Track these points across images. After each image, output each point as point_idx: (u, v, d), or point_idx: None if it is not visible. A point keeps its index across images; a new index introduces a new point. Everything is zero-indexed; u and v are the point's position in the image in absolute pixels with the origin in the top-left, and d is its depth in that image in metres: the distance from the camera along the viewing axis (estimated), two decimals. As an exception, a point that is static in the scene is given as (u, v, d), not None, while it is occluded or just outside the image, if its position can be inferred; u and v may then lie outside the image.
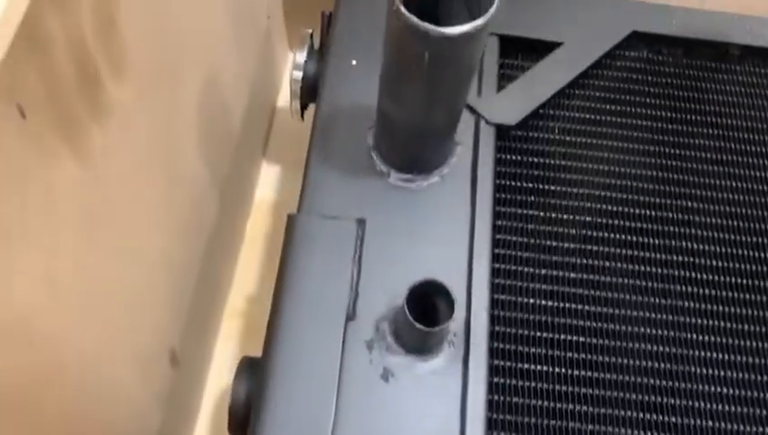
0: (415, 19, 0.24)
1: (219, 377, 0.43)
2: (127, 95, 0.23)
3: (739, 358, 0.32)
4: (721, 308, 0.33)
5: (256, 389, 0.30)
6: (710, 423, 0.31)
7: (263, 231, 0.49)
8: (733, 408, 0.31)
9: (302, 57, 0.40)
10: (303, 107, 0.42)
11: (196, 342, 0.39)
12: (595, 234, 0.35)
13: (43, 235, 0.19)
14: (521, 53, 0.39)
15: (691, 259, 0.34)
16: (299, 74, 0.40)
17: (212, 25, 0.37)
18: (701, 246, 0.35)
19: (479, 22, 0.23)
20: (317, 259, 0.32)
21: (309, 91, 0.41)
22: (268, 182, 0.51)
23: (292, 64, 0.41)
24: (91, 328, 0.25)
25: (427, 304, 0.29)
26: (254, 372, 0.32)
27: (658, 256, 0.34)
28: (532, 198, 0.35)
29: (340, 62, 0.38)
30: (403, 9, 0.24)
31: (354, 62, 0.38)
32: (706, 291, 0.34)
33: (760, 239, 0.35)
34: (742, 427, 0.30)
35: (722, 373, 0.32)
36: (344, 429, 0.28)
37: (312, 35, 0.42)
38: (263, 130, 0.51)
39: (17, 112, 0.16)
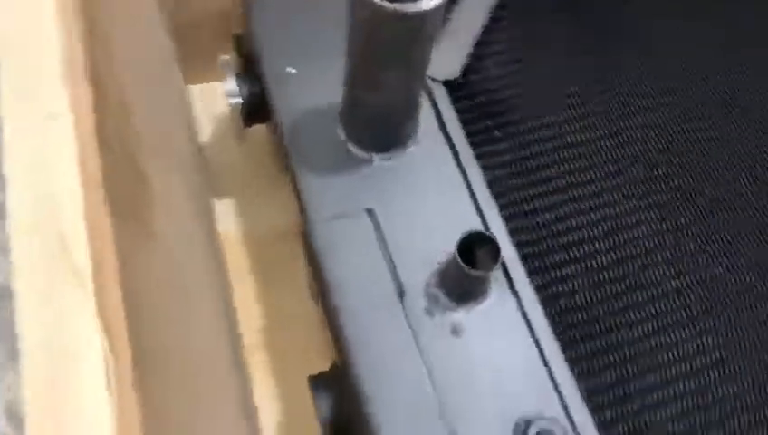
0: (391, 4, 0.25)
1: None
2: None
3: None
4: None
5: (349, 398, 0.31)
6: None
7: (242, 264, 0.49)
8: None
9: (232, 84, 0.41)
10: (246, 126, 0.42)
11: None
12: (568, 138, 0.38)
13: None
14: None
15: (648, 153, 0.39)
16: (238, 100, 0.40)
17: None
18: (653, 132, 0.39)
19: (447, -11, 0.25)
20: (350, 259, 0.33)
21: (250, 114, 0.41)
22: (222, 217, 0.50)
23: (224, 94, 0.41)
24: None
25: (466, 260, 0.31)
26: (330, 386, 0.33)
27: (625, 151, 0.39)
28: (499, 132, 0.38)
29: (280, 75, 0.38)
30: (377, 0, 0.25)
31: (292, 70, 0.38)
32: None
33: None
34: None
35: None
36: (447, 393, 0.30)
37: (229, 62, 0.42)
38: (205, 175, 0.50)
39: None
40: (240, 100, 0.40)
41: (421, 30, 0.26)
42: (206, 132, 0.53)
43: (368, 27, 0.27)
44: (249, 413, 0.39)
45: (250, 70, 0.41)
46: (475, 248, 0.31)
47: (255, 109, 0.40)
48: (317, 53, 0.38)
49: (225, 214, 0.50)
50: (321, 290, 0.33)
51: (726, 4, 0.44)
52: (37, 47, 0.18)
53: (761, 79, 0.42)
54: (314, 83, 0.38)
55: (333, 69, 0.37)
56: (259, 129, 0.45)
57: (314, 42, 0.39)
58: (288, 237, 0.49)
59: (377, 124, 0.34)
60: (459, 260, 0.29)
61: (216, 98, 0.50)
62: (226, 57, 0.42)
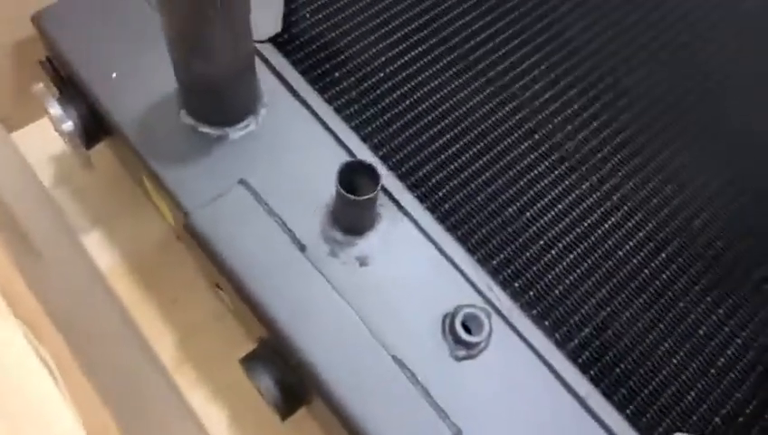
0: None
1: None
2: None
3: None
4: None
5: (286, 361, 0.32)
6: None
7: (134, 291, 0.47)
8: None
9: (57, 109, 0.38)
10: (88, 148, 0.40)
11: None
12: (402, 60, 0.40)
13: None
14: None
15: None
16: (70, 124, 0.38)
17: None
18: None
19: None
20: (240, 233, 0.33)
21: (87, 133, 0.39)
22: (97, 253, 0.48)
23: (53, 123, 0.39)
24: None
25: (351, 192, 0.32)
26: (266, 358, 0.34)
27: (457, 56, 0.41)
28: (338, 73, 0.39)
29: (104, 84, 0.37)
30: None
31: (114, 75, 0.37)
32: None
33: None
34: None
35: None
36: (373, 317, 0.32)
37: (44, 89, 0.40)
38: (62, 218, 0.47)
39: None
40: (71, 123, 0.38)
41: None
42: (47, 176, 0.49)
43: (178, 2, 0.27)
44: (191, 414, 0.38)
45: (69, 89, 0.39)
46: (355, 180, 0.32)
47: (90, 127, 0.39)
48: (132, 49, 0.37)
49: (98, 250, 0.47)
50: (224, 273, 0.33)
51: None
52: None
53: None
54: (142, 79, 0.37)
55: (156, 58, 0.36)
56: (100, 155, 0.43)
57: (125, 40, 0.38)
58: (167, 247, 0.47)
59: (218, 99, 0.34)
60: (342, 191, 0.30)
61: (45, 139, 0.47)
62: (39, 85, 0.39)
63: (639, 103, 0.41)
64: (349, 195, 0.30)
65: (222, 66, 0.31)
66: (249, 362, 0.34)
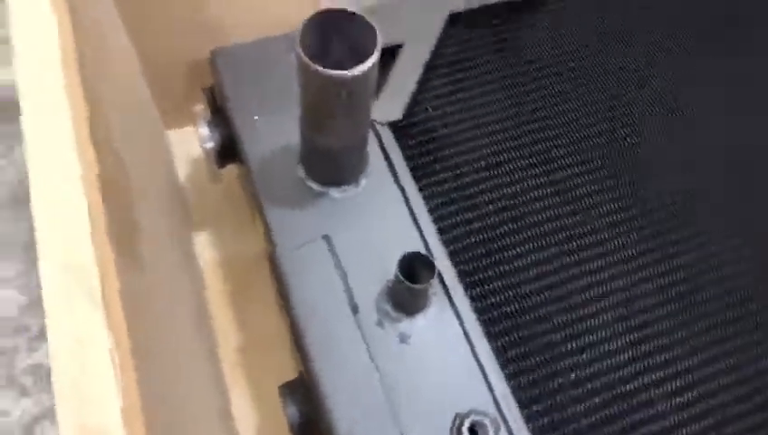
0: (331, 71, 0.31)
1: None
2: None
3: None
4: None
5: (312, 401, 0.36)
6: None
7: (220, 288, 0.53)
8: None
9: (205, 131, 0.46)
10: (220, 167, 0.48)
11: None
12: (500, 169, 0.44)
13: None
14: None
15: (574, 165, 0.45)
16: (211, 144, 0.46)
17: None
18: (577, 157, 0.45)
19: (376, 55, 0.31)
20: (310, 281, 0.38)
21: (222, 156, 0.47)
22: (201, 248, 0.55)
23: (199, 139, 0.46)
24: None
25: (408, 276, 0.37)
26: (298, 392, 0.38)
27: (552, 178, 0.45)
28: (438, 166, 0.44)
29: (247, 123, 0.44)
30: (321, 69, 0.31)
31: (256, 117, 0.44)
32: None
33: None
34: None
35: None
36: (395, 392, 0.36)
37: (201, 111, 0.48)
38: (183, 211, 0.55)
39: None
40: (213, 144, 0.46)
41: (354, 89, 0.32)
42: (183, 173, 0.58)
43: (311, 87, 0.33)
44: (227, 419, 0.44)
45: (220, 118, 0.46)
46: (416, 266, 0.36)
47: (226, 152, 0.46)
48: (277, 103, 0.44)
49: (204, 245, 0.55)
50: (287, 307, 0.38)
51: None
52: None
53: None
54: (276, 129, 0.43)
55: (292, 116, 0.42)
56: (231, 169, 0.50)
57: (274, 93, 0.44)
58: (261, 263, 0.54)
59: (329, 164, 0.40)
60: (400, 276, 0.34)
61: (191, 142, 0.56)
62: (200, 107, 0.47)
63: (725, 283, 0.42)
64: (404, 280, 0.35)
65: (338, 144, 0.37)
66: (285, 388, 0.39)
